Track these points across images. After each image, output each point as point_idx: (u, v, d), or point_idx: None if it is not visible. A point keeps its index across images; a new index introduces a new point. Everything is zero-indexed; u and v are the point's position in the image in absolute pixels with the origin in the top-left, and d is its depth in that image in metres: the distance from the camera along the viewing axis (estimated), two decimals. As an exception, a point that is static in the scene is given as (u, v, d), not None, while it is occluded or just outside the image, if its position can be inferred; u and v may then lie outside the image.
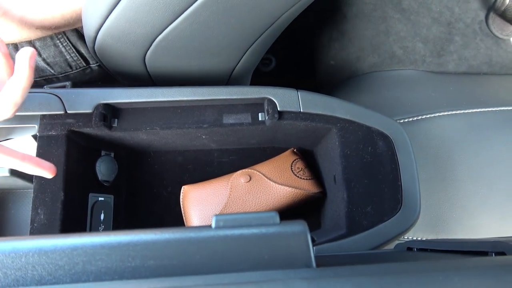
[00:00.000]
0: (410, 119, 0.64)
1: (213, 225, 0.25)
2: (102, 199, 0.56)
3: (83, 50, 0.67)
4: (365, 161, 0.53)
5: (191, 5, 0.42)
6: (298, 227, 0.25)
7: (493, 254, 0.29)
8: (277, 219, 0.26)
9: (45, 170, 0.43)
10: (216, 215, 0.26)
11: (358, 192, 0.52)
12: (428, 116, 0.64)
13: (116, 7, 0.43)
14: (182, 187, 0.60)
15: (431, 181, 0.60)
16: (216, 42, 0.51)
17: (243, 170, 0.59)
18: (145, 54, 0.51)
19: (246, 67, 0.60)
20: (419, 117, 0.64)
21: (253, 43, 0.54)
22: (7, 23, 0.54)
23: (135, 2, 0.41)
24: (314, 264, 0.24)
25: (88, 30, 0.47)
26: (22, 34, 0.58)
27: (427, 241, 0.43)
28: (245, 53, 0.55)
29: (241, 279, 0.22)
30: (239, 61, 0.57)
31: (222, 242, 0.24)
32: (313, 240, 0.25)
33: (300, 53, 0.88)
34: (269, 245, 0.25)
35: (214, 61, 0.56)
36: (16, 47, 0.64)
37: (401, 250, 0.44)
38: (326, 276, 0.23)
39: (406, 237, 0.60)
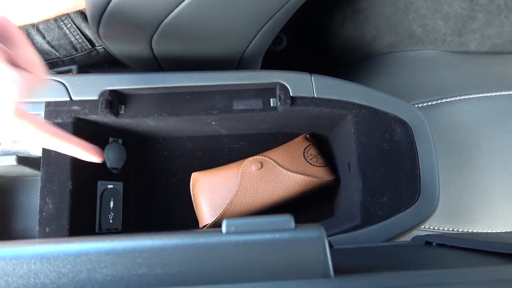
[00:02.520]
0: (430, 103, 0.61)
1: (224, 230, 0.24)
2: (111, 186, 0.55)
3: (88, 32, 0.65)
4: (382, 149, 0.51)
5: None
6: (315, 233, 0.23)
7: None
8: (292, 223, 0.24)
9: (94, 155, 0.41)
10: (227, 219, 0.24)
11: (374, 181, 0.50)
12: (449, 99, 0.61)
13: (120, -11, 0.40)
14: (192, 174, 0.58)
15: (450, 168, 0.58)
16: (225, 24, 0.49)
17: (254, 157, 0.58)
18: (152, 38, 0.49)
19: (256, 50, 0.57)
20: (439, 101, 0.61)
21: (265, 25, 0.51)
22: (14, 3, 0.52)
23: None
24: (332, 273, 0.23)
25: (92, 13, 0.45)
26: (27, 15, 0.56)
27: (447, 235, 0.41)
28: (256, 35, 0.53)
29: (255, 292, 0.21)
30: (250, 43, 0.54)
31: (233, 248, 0.23)
32: (330, 246, 0.23)
33: (313, 33, 0.84)
34: (284, 252, 0.23)
35: (224, 43, 0.53)
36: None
37: (419, 244, 0.42)
38: (347, 287, 0.21)
39: (422, 227, 0.58)
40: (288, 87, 0.51)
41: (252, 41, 0.53)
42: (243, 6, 0.46)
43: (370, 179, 0.50)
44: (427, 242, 0.41)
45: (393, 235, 0.48)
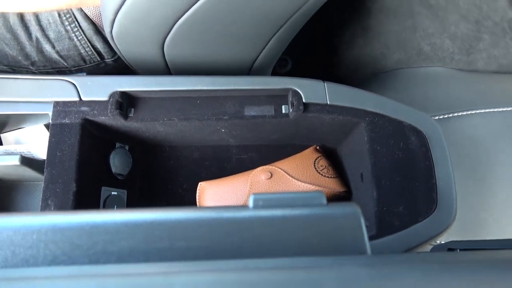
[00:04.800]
0: (441, 117, 0.60)
1: (251, 205, 0.22)
2: (115, 193, 0.53)
3: (98, 45, 0.65)
4: (396, 157, 0.49)
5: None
6: (350, 209, 0.22)
7: None
8: (324, 199, 0.22)
9: None
10: (254, 193, 0.22)
11: (389, 190, 0.48)
12: (460, 114, 0.60)
13: (138, -15, 0.40)
14: (199, 183, 0.57)
15: (464, 182, 0.56)
16: (239, 27, 0.49)
17: (264, 166, 0.56)
18: (165, 40, 0.49)
19: (268, 59, 0.57)
20: (450, 115, 0.60)
21: (278, 31, 0.51)
22: None
23: (158, -22, 0.39)
24: (369, 250, 0.21)
25: (107, 12, 0.45)
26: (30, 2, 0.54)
27: (471, 241, 0.39)
28: (268, 42, 0.53)
29: (290, 264, 0.19)
30: (262, 50, 0.54)
31: (262, 223, 0.21)
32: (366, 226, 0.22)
33: (320, 51, 0.85)
34: (317, 228, 0.21)
35: (236, 49, 0.53)
36: (22, 18, 0.62)
37: (441, 252, 0.40)
38: (386, 262, 0.19)
39: (438, 242, 0.56)
40: (301, 93, 0.50)
41: (264, 48, 0.53)
42: (257, 9, 0.46)
43: (385, 188, 0.48)
44: (450, 249, 0.39)
45: (411, 245, 0.46)
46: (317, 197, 0.22)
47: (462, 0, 0.74)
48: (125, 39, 0.49)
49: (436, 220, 0.47)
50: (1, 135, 0.54)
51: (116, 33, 0.48)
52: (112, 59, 0.68)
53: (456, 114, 0.60)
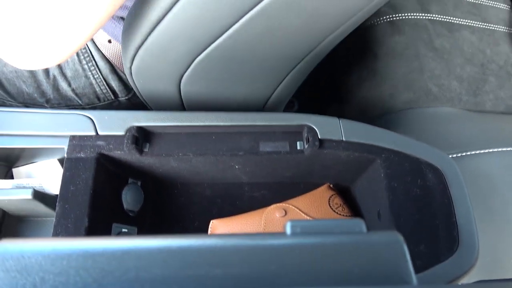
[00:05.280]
0: (454, 155, 0.60)
1: (288, 231, 0.21)
2: (126, 230, 0.52)
3: (113, 84, 0.66)
4: (414, 195, 0.49)
5: (238, 20, 0.41)
6: (392, 237, 0.21)
7: None
8: (364, 227, 0.22)
9: None
10: (291, 220, 0.22)
11: (408, 228, 0.47)
12: (473, 153, 0.60)
13: (161, 22, 0.42)
14: (211, 221, 0.55)
15: (482, 221, 0.55)
16: (256, 65, 0.50)
17: (278, 204, 0.55)
18: (182, 76, 0.50)
19: (281, 96, 0.58)
20: (462, 154, 0.60)
21: (293, 69, 0.52)
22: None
23: (181, 15, 0.40)
24: (415, 280, 0.20)
25: (128, 47, 0.46)
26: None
27: (497, 280, 0.37)
28: (283, 79, 0.54)
29: (335, 292, 0.18)
30: (276, 88, 0.55)
31: (301, 250, 0.20)
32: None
33: (326, 93, 0.87)
34: (358, 256, 0.20)
35: (251, 87, 0.54)
36: (47, 73, 0.63)
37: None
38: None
39: (461, 282, 0.53)
40: (316, 129, 0.51)
41: (279, 85, 0.54)
42: (275, 49, 0.47)
43: (404, 226, 0.47)
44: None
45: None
46: (356, 224, 0.21)
47: (466, 44, 0.77)
48: (143, 75, 0.50)
49: (459, 259, 0.45)
50: (13, 169, 0.53)
51: (136, 69, 0.49)
52: (126, 97, 0.69)
53: (469, 153, 0.60)
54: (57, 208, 0.45)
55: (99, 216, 0.48)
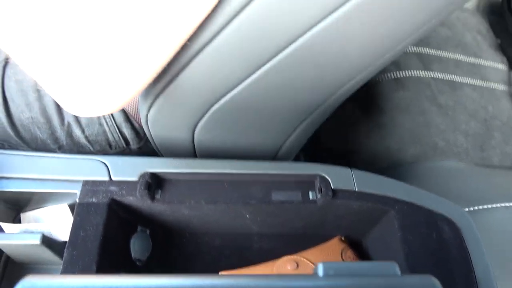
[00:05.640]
0: (466, 209, 0.59)
1: (321, 273, 0.21)
2: (132, 281, 0.50)
3: (126, 132, 0.67)
4: (430, 248, 0.48)
5: (254, 72, 0.43)
6: (427, 281, 0.20)
7: None
8: (397, 269, 0.21)
9: None
10: (323, 262, 0.21)
11: (426, 283, 0.45)
12: (483, 207, 0.60)
13: (182, 73, 0.43)
14: (220, 273, 0.53)
15: (500, 279, 0.54)
16: (269, 115, 0.51)
17: (289, 256, 0.54)
18: (197, 124, 0.51)
19: (293, 147, 0.59)
20: (476, 208, 0.60)
21: (305, 120, 0.53)
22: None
23: (202, 65, 0.42)
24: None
25: (147, 96, 0.48)
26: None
27: None
28: (295, 130, 0.55)
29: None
30: (288, 138, 0.56)
31: (335, 294, 0.20)
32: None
33: (333, 147, 0.88)
34: (395, 301, 0.20)
35: (264, 135, 0.55)
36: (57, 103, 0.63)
37: None
38: None
39: None
40: (329, 179, 0.51)
41: (291, 135, 0.55)
42: (289, 99, 0.49)
43: (421, 281, 0.46)
44: None
45: None
46: (390, 267, 0.21)
47: (468, 101, 0.79)
48: (159, 123, 0.51)
49: (481, 317, 0.43)
50: (21, 214, 0.53)
51: (152, 116, 0.50)
52: (138, 145, 0.70)
53: (479, 207, 0.60)
54: (65, 254, 0.44)
55: (107, 264, 0.46)
